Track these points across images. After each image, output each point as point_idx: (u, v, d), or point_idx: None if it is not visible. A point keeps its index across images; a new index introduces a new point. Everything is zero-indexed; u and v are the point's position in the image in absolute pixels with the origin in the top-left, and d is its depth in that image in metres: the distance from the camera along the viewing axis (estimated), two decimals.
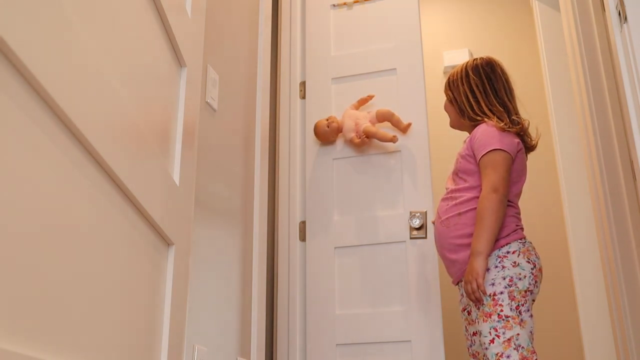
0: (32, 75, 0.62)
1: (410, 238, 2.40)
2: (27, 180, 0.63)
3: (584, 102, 2.30)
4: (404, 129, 2.55)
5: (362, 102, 2.65)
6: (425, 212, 2.41)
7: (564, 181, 2.82)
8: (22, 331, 0.61)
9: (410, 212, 2.42)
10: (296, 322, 2.49)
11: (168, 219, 1.09)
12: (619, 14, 1.51)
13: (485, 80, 2.00)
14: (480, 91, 2.00)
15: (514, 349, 1.69)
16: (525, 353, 1.70)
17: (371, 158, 2.60)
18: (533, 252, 1.87)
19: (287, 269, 2.56)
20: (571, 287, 2.91)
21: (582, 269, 2.67)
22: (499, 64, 2.06)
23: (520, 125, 1.95)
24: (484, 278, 1.77)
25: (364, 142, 2.55)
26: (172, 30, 1.15)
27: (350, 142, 2.59)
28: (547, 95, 3.04)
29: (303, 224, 2.62)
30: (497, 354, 1.70)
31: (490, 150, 1.87)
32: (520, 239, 1.87)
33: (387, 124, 2.58)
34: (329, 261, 2.52)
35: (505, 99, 2.00)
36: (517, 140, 1.94)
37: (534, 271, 1.82)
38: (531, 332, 1.76)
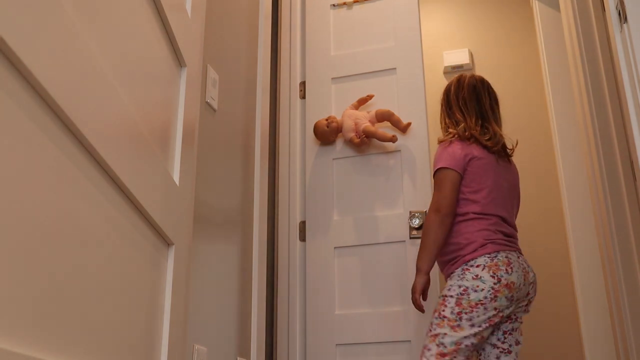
0: (32, 75, 0.62)
1: (410, 238, 2.40)
2: (27, 180, 0.63)
3: (584, 102, 2.30)
4: (404, 129, 2.55)
5: (362, 102, 2.65)
6: (425, 212, 2.41)
7: (564, 182, 2.82)
8: (22, 331, 0.61)
9: (410, 212, 2.42)
10: (296, 322, 2.49)
11: (168, 219, 1.09)
12: (619, 14, 1.51)
13: (444, 99, 2.15)
14: (442, 109, 2.15)
15: (437, 344, 1.77)
16: (443, 350, 1.76)
17: (371, 158, 2.60)
18: (503, 267, 1.83)
19: (287, 269, 2.56)
20: (571, 287, 2.91)
21: (582, 269, 2.67)
22: (458, 80, 2.15)
23: (456, 132, 2.02)
24: (419, 294, 1.93)
25: (364, 141, 2.54)
26: (172, 30, 1.15)
27: (349, 142, 2.59)
28: (547, 95, 3.04)
29: (303, 224, 2.62)
30: (424, 346, 1.81)
31: (436, 170, 1.98)
32: (489, 254, 1.86)
33: (386, 123, 2.58)
34: (328, 261, 2.51)
35: (456, 110, 2.08)
36: (462, 152, 1.97)
37: (496, 286, 1.80)
38: (465, 344, 1.75)
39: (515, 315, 1.90)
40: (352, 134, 2.55)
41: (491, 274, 1.82)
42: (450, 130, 2.06)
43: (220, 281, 1.76)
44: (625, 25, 1.47)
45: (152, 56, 1.06)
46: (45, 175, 0.67)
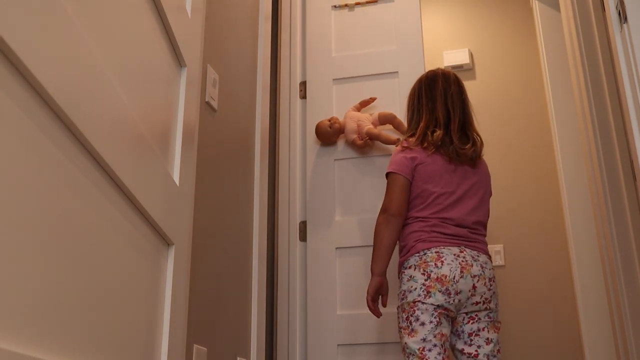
0: (32, 75, 0.62)
1: None
2: (27, 181, 0.63)
3: (584, 102, 2.30)
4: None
5: (364, 104, 2.65)
6: None
7: (564, 181, 2.82)
8: (23, 331, 0.61)
9: None
10: (296, 322, 2.49)
11: (168, 219, 1.09)
12: (619, 14, 1.51)
13: (412, 98, 2.13)
14: (409, 107, 2.13)
15: (406, 356, 1.80)
16: (414, 359, 1.78)
17: (373, 159, 2.61)
18: (432, 262, 1.82)
19: (287, 269, 2.56)
20: (571, 287, 2.91)
21: (582, 269, 2.67)
22: (422, 78, 2.12)
23: (409, 137, 2.03)
24: (371, 296, 1.94)
25: (367, 143, 2.55)
26: (172, 30, 1.15)
27: (352, 144, 2.59)
28: (547, 95, 3.04)
29: (303, 224, 2.62)
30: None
31: (386, 174, 2.01)
32: (418, 252, 1.86)
33: (388, 126, 2.59)
34: (330, 261, 2.52)
35: (420, 111, 2.06)
36: (409, 155, 1.97)
37: (427, 282, 1.80)
38: (425, 338, 1.76)
39: (476, 315, 1.83)
40: (354, 136, 2.56)
41: (421, 271, 1.82)
42: (405, 135, 2.08)
43: (220, 281, 1.76)
44: (625, 25, 1.47)
45: (152, 56, 1.06)
46: (45, 175, 0.67)
